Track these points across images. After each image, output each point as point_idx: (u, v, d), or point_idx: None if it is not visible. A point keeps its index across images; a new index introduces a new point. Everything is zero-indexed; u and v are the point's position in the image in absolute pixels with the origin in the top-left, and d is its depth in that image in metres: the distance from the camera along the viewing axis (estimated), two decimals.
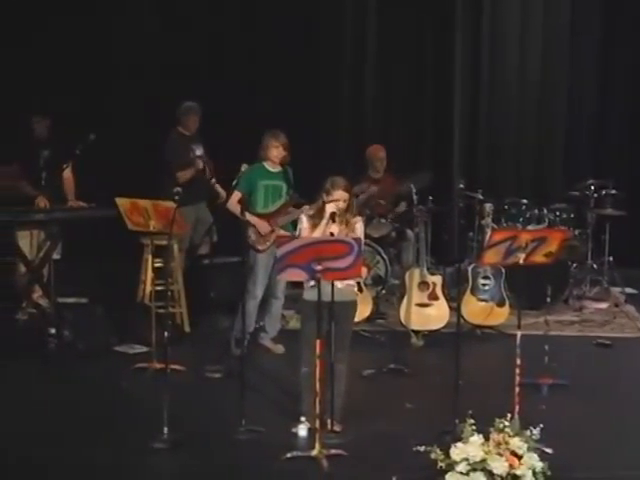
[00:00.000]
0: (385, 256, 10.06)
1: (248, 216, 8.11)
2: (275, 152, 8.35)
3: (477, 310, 9.24)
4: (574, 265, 10.34)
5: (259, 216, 8.30)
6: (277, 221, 8.32)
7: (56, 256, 9.07)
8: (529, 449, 5.53)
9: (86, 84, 10.86)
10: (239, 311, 7.96)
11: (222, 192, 9.12)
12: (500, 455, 5.47)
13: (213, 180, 9.23)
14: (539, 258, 6.61)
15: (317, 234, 6.49)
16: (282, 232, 8.28)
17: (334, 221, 6.47)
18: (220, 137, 9.51)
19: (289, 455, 6.14)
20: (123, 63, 11.17)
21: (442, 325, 9.05)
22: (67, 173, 9.30)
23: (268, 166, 8.40)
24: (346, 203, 6.58)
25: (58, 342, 8.41)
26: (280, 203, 8.39)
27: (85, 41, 10.91)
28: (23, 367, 7.99)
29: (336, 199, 6.54)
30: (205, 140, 9.54)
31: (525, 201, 10.55)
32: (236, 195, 8.34)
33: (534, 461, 5.51)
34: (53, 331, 8.43)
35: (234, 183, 8.38)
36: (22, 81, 10.48)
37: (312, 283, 6.35)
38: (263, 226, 8.28)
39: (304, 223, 6.65)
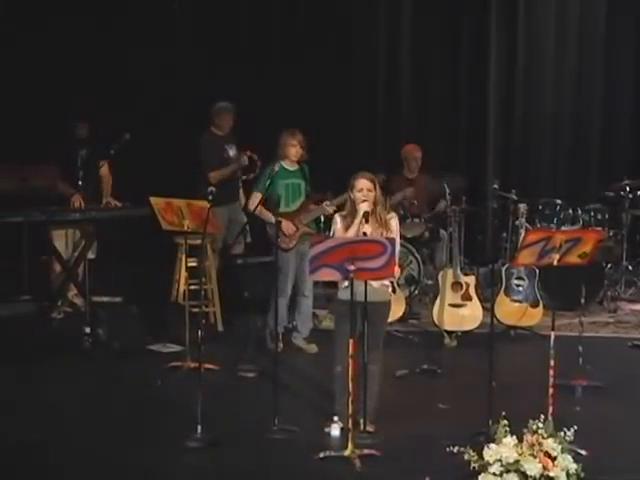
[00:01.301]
0: (418, 256, 10.06)
1: (272, 216, 8.16)
2: (293, 151, 8.42)
3: (511, 311, 9.21)
4: (609, 266, 10.28)
5: (282, 215, 8.33)
6: (301, 219, 8.36)
7: (91, 255, 9.13)
8: (563, 451, 5.50)
9: (121, 84, 10.91)
10: (271, 309, 8.05)
11: (242, 197, 9.23)
12: (534, 456, 5.44)
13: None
14: (573, 259, 6.57)
15: (350, 234, 6.49)
16: (307, 229, 8.38)
17: (367, 221, 6.46)
18: (253, 138, 9.52)
19: (322, 455, 6.14)
20: (157, 63, 11.20)
21: (475, 326, 9.03)
22: (105, 171, 9.38)
23: (286, 165, 8.45)
24: (372, 193, 6.57)
25: (93, 341, 8.47)
26: (301, 201, 8.43)
27: (119, 42, 10.97)
28: (57, 366, 8.05)
29: (360, 189, 6.54)
30: (239, 141, 9.58)
31: (559, 201, 10.51)
32: (256, 197, 8.39)
33: (568, 463, 5.48)
34: (88, 330, 8.50)
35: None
36: (58, 81, 10.54)
37: (346, 283, 6.36)
38: (288, 226, 8.31)
39: (338, 224, 6.66)
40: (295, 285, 8.51)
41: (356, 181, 6.60)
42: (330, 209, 8.44)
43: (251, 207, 8.41)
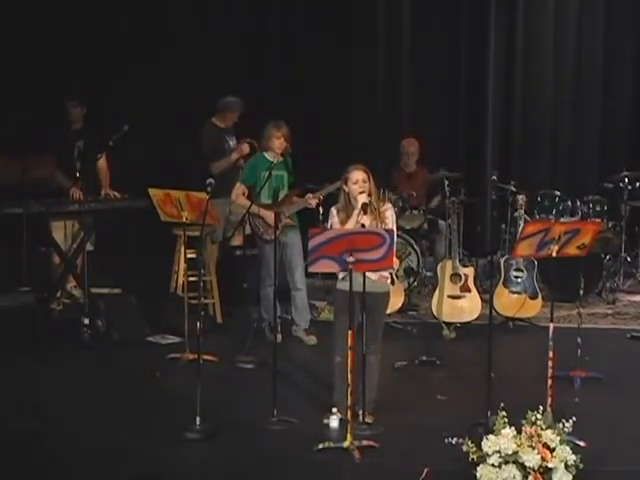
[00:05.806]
0: (417, 248, 10.05)
1: (254, 207, 8.17)
2: (277, 143, 8.43)
3: (510, 302, 9.21)
4: (607, 257, 10.29)
5: (265, 207, 8.33)
6: (283, 211, 8.36)
7: (90, 247, 9.13)
8: (561, 442, 5.50)
9: (120, 75, 10.90)
10: (262, 301, 8.28)
11: None
12: (532, 448, 5.45)
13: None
14: (572, 250, 6.58)
15: (349, 226, 6.49)
16: (289, 221, 8.41)
17: (365, 212, 6.46)
18: (253, 132, 9.52)
19: (321, 446, 6.15)
20: (157, 53, 11.18)
21: (474, 317, 9.03)
22: (101, 163, 9.38)
23: (270, 157, 8.44)
24: (367, 184, 6.55)
25: (92, 332, 8.47)
26: (284, 193, 8.43)
27: (119, 34, 10.96)
28: (56, 357, 8.06)
29: (355, 180, 6.53)
30: (238, 133, 9.58)
31: (558, 193, 10.51)
32: (239, 187, 8.42)
33: (566, 454, 5.48)
34: (87, 321, 8.50)
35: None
36: (57, 73, 10.53)
37: (342, 275, 6.36)
38: (270, 217, 8.30)
39: (335, 217, 6.65)
40: (287, 279, 8.52)
41: (350, 173, 6.58)
42: (313, 202, 8.47)
43: (232, 196, 8.53)
